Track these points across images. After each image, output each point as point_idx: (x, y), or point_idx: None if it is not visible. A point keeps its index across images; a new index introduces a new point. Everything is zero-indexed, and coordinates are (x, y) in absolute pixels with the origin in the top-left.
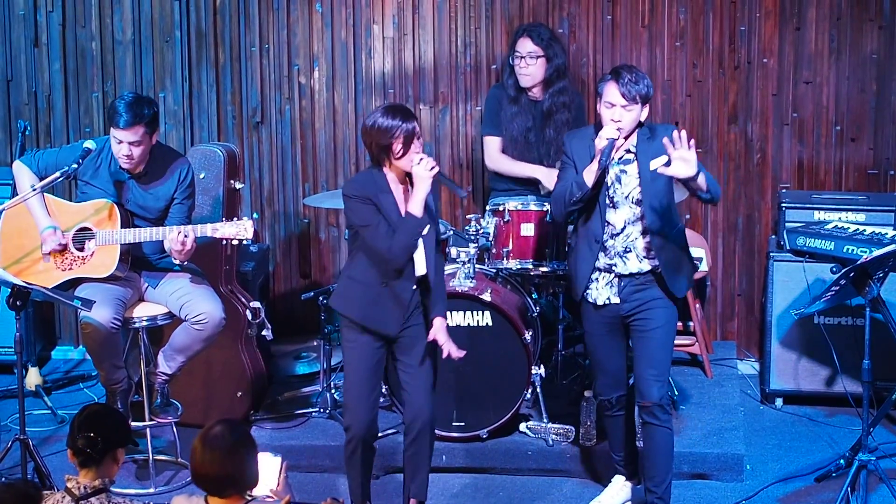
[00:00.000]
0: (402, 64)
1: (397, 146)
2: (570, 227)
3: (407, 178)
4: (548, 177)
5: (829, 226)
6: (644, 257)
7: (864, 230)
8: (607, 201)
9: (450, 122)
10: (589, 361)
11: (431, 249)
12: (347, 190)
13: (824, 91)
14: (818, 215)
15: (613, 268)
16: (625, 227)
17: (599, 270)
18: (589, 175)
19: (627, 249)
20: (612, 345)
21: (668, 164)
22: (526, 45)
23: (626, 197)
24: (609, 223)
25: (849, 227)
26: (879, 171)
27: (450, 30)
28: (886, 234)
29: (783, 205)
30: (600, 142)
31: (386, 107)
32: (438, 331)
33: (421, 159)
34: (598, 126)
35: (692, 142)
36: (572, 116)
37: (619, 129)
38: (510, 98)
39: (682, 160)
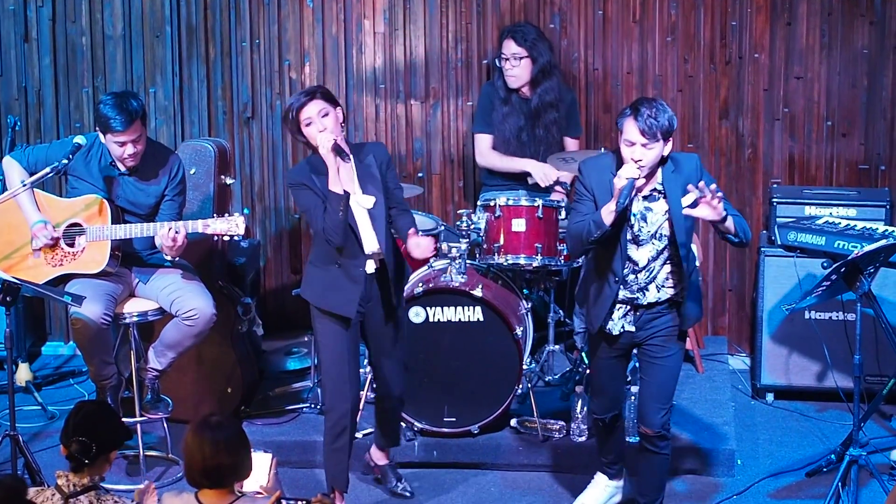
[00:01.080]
0: (393, 59)
1: (302, 126)
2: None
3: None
4: (537, 169)
5: (821, 221)
6: (663, 287)
7: (855, 225)
8: (629, 237)
9: (441, 117)
10: (582, 365)
11: (382, 222)
12: (288, 179)
13: (815, 86)
14: (809, 210)
15: (635, 301)
16: (648, 263)
17: (618, 303)
18: (608, 215)
19: (649, 282)
20: (618, 370)
21: (693, 205)
22: (510, 47)
23: (652, 235)
24: (631, 259)
25: (840, 222)
26: (870, 166)
27: (441, 25)
28: (877, 229)
29: (774, 200)
30: (619, 181)
31: (299, 92)
32: (413, 239)
33: (322, 133)
34: (619, 158)
35: (719, 194)
36: (562, 115)
37: (640, 168)
38: (501, 99)
39: (707, 206)
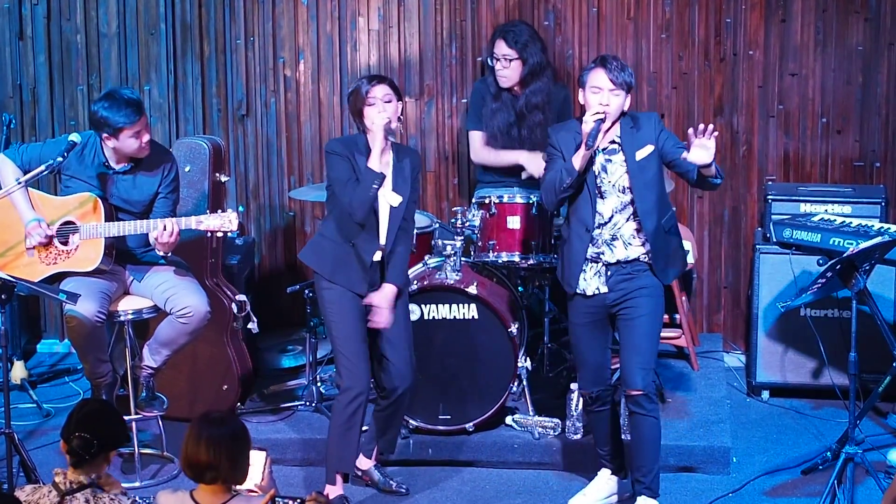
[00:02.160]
0: (388, 56)
1: (366, 104)
2: (560, 220)
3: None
4: (530, 160)
5: (816, 218)
6: (630, 244)
7: (851, 222)
8: (595, 191)
9: (435, 114)
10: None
11: (397, 223)
12: (329, 146)
13: (810, 83)
14: (804, 207)
15: (601, 256)
16: (612, 215)
17: (588, 260)
18: (577, 160)
19: (614, 237)
20: (595, 336)
21: (683, 150)
22: (501, 48)
23: (614, 186)
24: (598, 212)
25: (835, 219)
26: (865, 163)
27: (435, 22)
28: (873, 226)
29: (769, 197)
30: (587, 126)
31: (370, 75)
32: (382, 295)
33: (381, 114)
34: (581, 120)
35: (715, 133)
36: (553, 112)
37: (605, 113)
38: (492, 95)
39: (702, 148)
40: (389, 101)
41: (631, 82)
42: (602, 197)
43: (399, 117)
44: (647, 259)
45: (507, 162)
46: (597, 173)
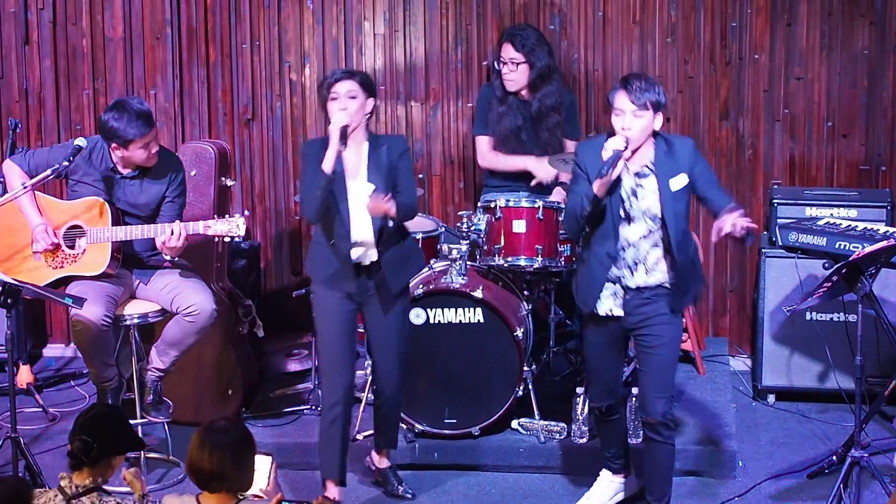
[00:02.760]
0: (393, 61)
1: (329, 99)
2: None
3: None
4: (538, 166)
5: (821, 222)
6: (652, 271)
7: (856, 226)
8: (622, 214)
9: (441, 118)
10: (583, 365)
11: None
12: (302, 146)
13: (816, 87)
14: (810, 211)
15: (621, 279)
16: (638, 240)
17: (607, 280)
18: (597, 186)
19: (636, 262)
20: (610, 355)
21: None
22: (508, 51)
23: (644, 212)
24: (622, 237)
25: (841, 223)
26: (871, 167)
27: (441, 26)
28: (878, 229)
29: (775, 201)
30: (605, 153)
31: (342, 69)
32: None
33: (337, 112)
34: (612, 136)
35: (746, 221)
36: (563, 118)
37: (627, 139)
38: (498, 98)
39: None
40: (354, 98)
41: (658, 101)
42: (629, 222)
43: (367, 114)
44: (668, 286)
45: (515, 167)
46: (625, 198)
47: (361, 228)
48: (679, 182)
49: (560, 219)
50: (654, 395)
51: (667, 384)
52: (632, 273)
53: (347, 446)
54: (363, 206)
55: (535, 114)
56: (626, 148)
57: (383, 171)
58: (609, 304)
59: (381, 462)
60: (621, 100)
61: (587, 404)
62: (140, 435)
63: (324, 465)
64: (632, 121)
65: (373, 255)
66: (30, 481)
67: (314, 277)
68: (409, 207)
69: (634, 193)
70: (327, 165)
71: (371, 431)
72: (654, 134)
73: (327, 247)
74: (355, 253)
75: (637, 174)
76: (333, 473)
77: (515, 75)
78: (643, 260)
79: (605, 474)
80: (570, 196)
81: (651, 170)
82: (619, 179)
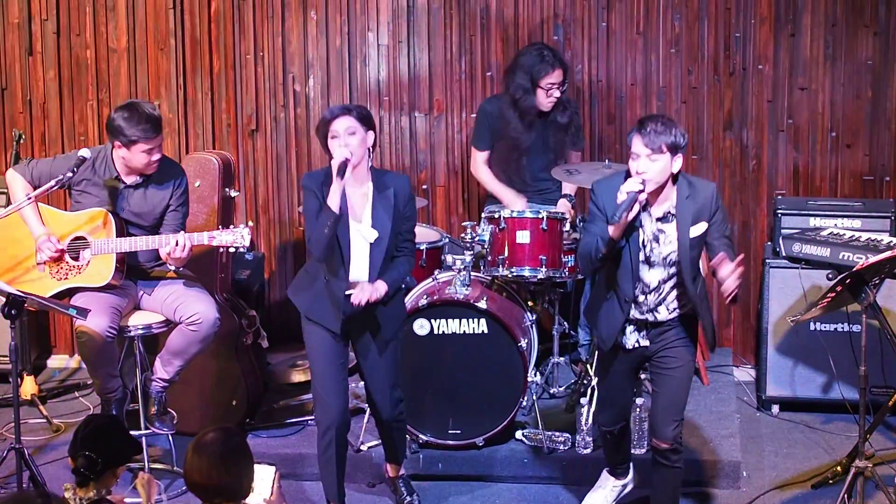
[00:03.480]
0: (397, 71)
1: (329, 138)
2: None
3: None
4: (514, 201)
5: (825, 232)
6: (672, 309)
7: (860, 236)
8: (642, 258)
9: (445, 129)
10: (587, 376)
11: (380, 258)
12: (303, 180)
13: (819, 97)
14: (814, 222)
15: (645, 321)
16: (658, 285)
17: (629, 322)
18: (612, 230)
19: (659, 304)
20: (627, 382)
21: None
22: (559, 76)
23: (665, 258)
24: (642, 281)
25: (844, 234)
26: (875, 178)
27: (445, 37)
28: (882, 240)
29: (779, 211)
30: (621, 195)
31: (339, 105)
32: (366, 286)
33: (338, 148)
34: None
35: (739, 270)
36: (569, 135)
37: (643, 182)
38: (518, 112)
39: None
40: (353, 134)
41: (675, 143)
42: (650, 266)
43: (370, 148)
44: (687, 313)
45: (494, 191)
46: (644, 242)
47: (359, 270)
48: (698, 230)
49: (564, 229)
50: (667, 419)
51: (680, 408)
52: (654, 316)
53: (344, 467)
54: (363, 248)
55: (550, 128)
56: (641, 191)
57: (390, 214)
58: (635, 337)
59: (391, 471)
60: (636, 144)
61: (596, 425)
62: (141, 442)
63: (325, 487)
64: (647, 165)
65: (364, 277)
66: (48, 494)
67: (302, 310)
68: (403, 278)
69: (656, 239)
70: (333, 203)
71: (376, 442)
72: (675, 176)
73: (318, 279)
74: (350, 291)
75: (659, 219)
76: (332, 495)
77: (556, 92)
78: (664, 301)
79: (606, 477)
80: (584, 235)
81: (674, 216)
82: (636, 222)
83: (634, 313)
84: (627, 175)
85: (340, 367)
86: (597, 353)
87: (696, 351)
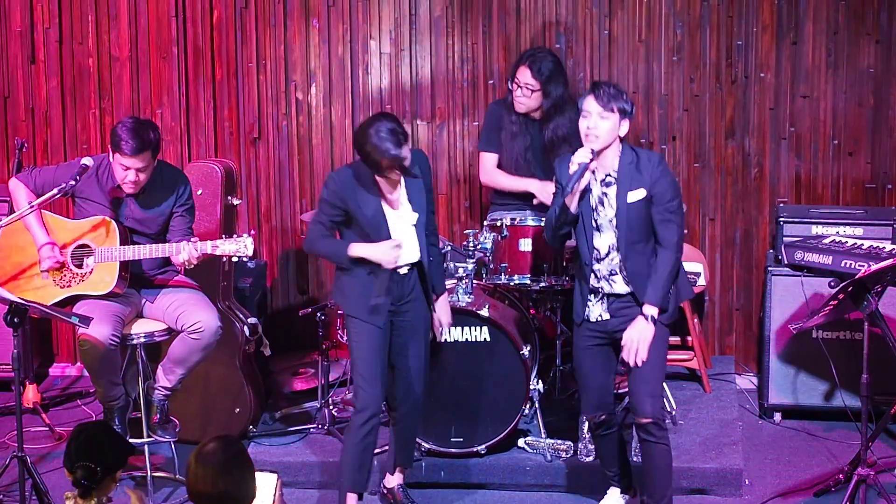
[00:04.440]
0: (400, 79)
1: (385, 169)
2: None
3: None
4: (541, 189)
5: (827, 240)
6: (631, 280)
7: (862, 244)
8: (593, 224)
9: (447, 137)
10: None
11: (422, 230)
12: (328, 180)
13: (822, 105)
14: (816, 229)
15: (601, 290)
16: (609, 251)
17: (591, 291)
18: (568, 199)
19: (612, 272)
20: (597, 361)
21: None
22: (524, 75)
23: (610, 222)
24: (594, 248)
25: (847, 242)
26: (877, 185)
27: (447, 45)
28: (884, 248)
29: (781, 219)
30: (572, 166)
31: (392, 127)
32: (442, 307)
33: (395, 246)
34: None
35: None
36: (577, 146)
37: (592, 151)
38: (511, 117)
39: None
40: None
41: (624, 108)
42: (599, 231)
43: None
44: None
45: (518, 188)
46: (594, 207)
47: (409, 254)
48: (636, 195)
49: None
50: (643, 395)
51: (655, 384)
52: (610, 284)
53: (372, 461)
54: (408, 232)
55: (546, 143)
56: (592, 160)
57: (422, 191)
58: (598, 309)
59: (392, 481)
60: (589, 102)
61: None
62: (147, 453)
63: (352, 479)
64: (597, 122)
65: (415, 257)
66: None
67: (349, 311)
68: (442, 262)
69: (601, 202)
70: (356, 252)
71: (380, 450)
72: (621, 141)
73: (358, 275)
74: (403, 269)
75: (602, 182)
76: (361, 486)
77: (527, 101)
78: (617, 270)
79: (613, 491)
80: (551, 208)
81: (614, 178)
82: (588, 190)
83: (592, 282)
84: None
85: (385, 357)
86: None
87: (667, 328)
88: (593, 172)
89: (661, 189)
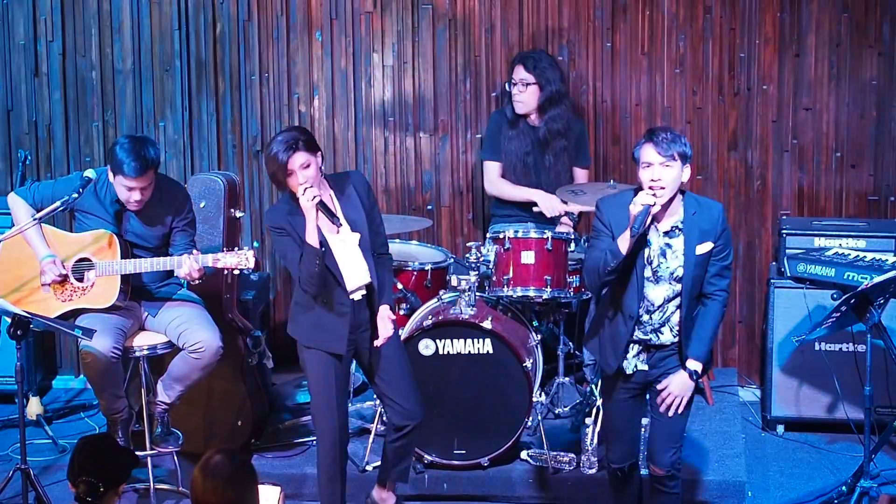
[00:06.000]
0: (402, 92)
1: (286, 175)
2: (578, 251)
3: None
4: (545, 200)
5: (830, 252)
6: (678, 333)
7: (865, 256)
8: (648, 274)
9: (450, 149)
10: (591, 397)
11: (369, 251)
12: (267, 220)
13: (824, 117)
14: (819, 242)
15: (648, 342)
16: (663, 303)
17: (631, 342)
18: (623, 243)
19: (663, 324)
20: (632, 412)
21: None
22: (519, 72)
23: (671, 273)
24: (647, 298)
25: (849, 254)
26: (880, 198)
27: (449, 57)
28: (887, 260)
29: (783, 231)
30: (634, 207)
31: (280, 133)
32: (381, 318)
33: (305, 189)
34: (636, 194)
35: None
36: (571, 144)
37: (655, 195)
38: (509, 122)
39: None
40: (308, 166)
41: (685, 152)
42: (656, 282)
43: (321, 168)
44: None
45: (522, 198)
46: (650, 258)
47: (357, 276)
48: (704, 248)
49: (569, 249)
50: (665, 446)
51: (679, 435)
52: (658, 336)
53: (345, 486)
54: (352, 254)
55: (541, 137)
56: (654, 204)
57: (360, 209)
58: (634, 362)
59: (386, 499)
60: (648, 152)
61: (608, 466)
62: (150, 466)
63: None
64: (661, 172)
65: (366, 279)
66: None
67: (301, 340)
68: (392, 285)
69: (663, 254)
70: (312, 239)
71: (376, 465)
72: (682, 191)
73: (313, 308)
74: (357, 295)
75: (667, 233)
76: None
77: (525, 97)
78: (668, 321)
79: None
80: (590, 252)
81: (680, 230)
82: (644, 238)
83: (638, 333)
84: (635, 193)
85: (344, 389)
86: (600, 383)
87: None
88: (652, 222)
89: (724, 242)
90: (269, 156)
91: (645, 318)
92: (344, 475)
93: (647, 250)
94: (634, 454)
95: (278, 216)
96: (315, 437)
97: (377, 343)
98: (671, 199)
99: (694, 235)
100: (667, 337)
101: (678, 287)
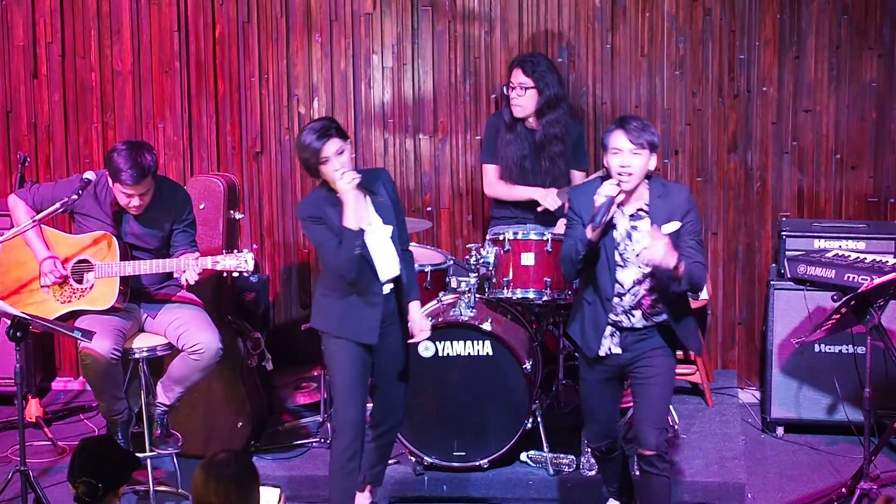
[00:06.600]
0: (402, 94)
1: (320, 162)
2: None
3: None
4: (545, 197)
5: (830, 254)
6: (649, 315)
7: (865, 258)
8: (617, 258)
9: (449, 151)
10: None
11: (396, 247)
12: (298, 212)
13: (824, 119)
14: (818, 243)
15: (619, 324)
16: (633, 286)
17: (607, 324)
18: (589, 231)
19: (633, 307)
20: (607, 394)
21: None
22: (517, 76)
23: (638, 255)
24: (617, 282)
25: (849, 256)
26: (879, 199)
27: (449, 59)
28: (887, 261)
29: (783, 233)
30: (599, 198)
31: (310, 123)
32: (417, 315)
33: (343, 173)
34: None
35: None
36: (568, 147)
37: (621, 183)
38: (506, 126)
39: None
40: (342, 153)
41: (654, 141)
42: (624, 265)
43: (352, 156)
44: (664, 324)
45: (522, 197)
46: (618, 241)
47: (388, 268)
48: (671, 227)
49: None
50: (648, 427)
51: (661, 416)
52: (629, 318)
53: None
54: (385, 247)
55: (538, 141)
56: (619, 193)
57: (390, 209)
58: (608, 343)
59: (364, 500)
60: (618, 139)
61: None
62: (149, 467)
63: (339, 500)
64: (630, 158)
65: (396, 271)
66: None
67: (331, 332)
68: (415, 272)
69: (629, 236)
70: (352, 223)
71: (394, 461)
72: (649, 176)
73: (345, 298)
74: (386, 289)
75: (632, 216)
76: None
77: (523, 100)
78: (639, 305)
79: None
80: (565, 240)
81: (646, 212)
82: (612, 223)
83: (611, 316)
84: (602, 180)
85: (367, 383)
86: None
87: (675, 361)
88: (619, 206)
89: (693, 219)
90: (303, 144)
91: (616, 300)
92: (359, 471)
93: (615, 233)
94: (612, 434)
95: (312, 206)
96: (318, 438)
97: (411, 341)
98: (637, 184)
99: (660, 216)
100: (638, 320)
101: (647, 269)
